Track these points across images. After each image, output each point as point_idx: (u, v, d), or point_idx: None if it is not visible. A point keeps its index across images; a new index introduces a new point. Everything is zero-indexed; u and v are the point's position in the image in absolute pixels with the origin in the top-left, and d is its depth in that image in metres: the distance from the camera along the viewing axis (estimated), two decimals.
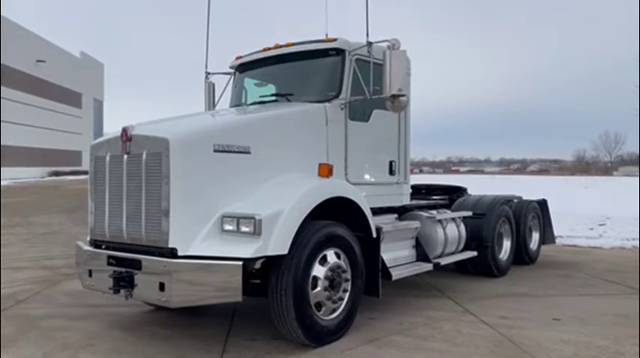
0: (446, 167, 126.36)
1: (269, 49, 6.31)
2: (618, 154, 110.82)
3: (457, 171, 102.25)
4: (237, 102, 6.61)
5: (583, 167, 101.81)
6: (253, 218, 4.27)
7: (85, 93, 56.42)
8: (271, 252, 4.31)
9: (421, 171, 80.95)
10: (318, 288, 4.67)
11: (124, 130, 4.62)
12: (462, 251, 7.31)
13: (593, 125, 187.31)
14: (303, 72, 6.11)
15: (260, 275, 4.69)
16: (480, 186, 12.84)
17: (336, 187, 5.19)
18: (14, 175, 37.86)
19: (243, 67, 6.65)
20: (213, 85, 7.11)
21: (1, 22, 38.42)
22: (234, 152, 4.72)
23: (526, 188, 17.47)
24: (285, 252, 4.39)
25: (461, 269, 7.82)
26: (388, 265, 5.59)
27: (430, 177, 38.55)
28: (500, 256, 7.99)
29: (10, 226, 13.49)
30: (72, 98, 53.22)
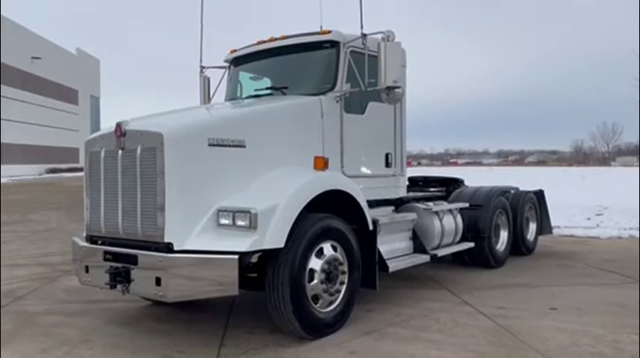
0: (444, 159, 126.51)
1: (263, 42, 6.28)
2: (616, 145, 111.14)
3: (455, 164, 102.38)
4: (233, 96, 6.59)
5: (581, 158, 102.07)
6: (249, 212, 4.26)
7: (82, 90, 56.27)
8: (267, 245, 4.31)
9: (419, 164, 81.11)
10: (315, 281, 4.67)
11: (118, 125, 4.60)
12: (459, 242, 7.31)
13: (591, 116, 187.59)
14: (298, 65, 6.09)
15: (257, 268, 4.69)
16: (478, 178, 12.86)
17: (332, 180, 5.19)
18: (12, 173, 37.78)
19: (238, 61, 6.63)
20: (208, 79, 7.09)
21: (0, 21, 38.21)
22: (229, 146, 4.70)
23: (524, 179, 17.50)
24: (282, 245, 4.39)
25: (458, 260, 7.83)
26: (385, 257, 5.60)
27: (428, 169, 38.58)
28: (498, 247, 8.00)
29: (8, 224, 13.47)
30: (68, 95, 53.10)
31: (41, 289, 6.75)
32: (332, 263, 4.83)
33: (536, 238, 9.29)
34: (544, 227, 9.58)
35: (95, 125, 56.75)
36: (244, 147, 4.82)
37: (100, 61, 62.75)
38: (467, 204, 7.57)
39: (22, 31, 44.67)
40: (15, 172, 38.65)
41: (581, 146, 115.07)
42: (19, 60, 43.26)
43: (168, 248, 4.28)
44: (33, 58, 45.17)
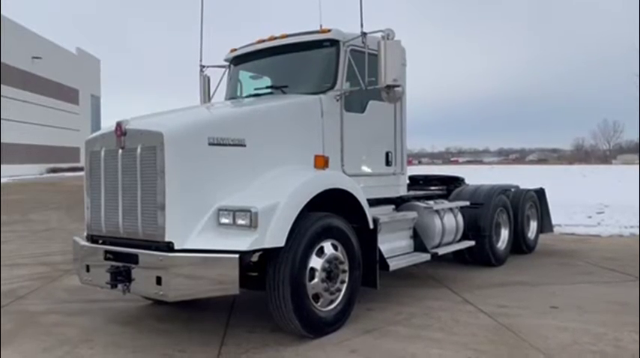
0: (445, 158, 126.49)
1: (263, 41, 6.28)
2: (617, 143, 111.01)
3: (456, 162, 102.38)
4: (233, 95, 6.58)
5: (582, 156, 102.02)
6: (249, 211, 4.26)
7: (82, 90, 56.25)
8: (268, 244, 4.32)
9: (420, 163, 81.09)
10: (316, 280, 4.67)
11: (118, 125, 4.61)
12: (460, 241, 7.31)
13: (591, 114, 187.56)
14: (298, 63, 6.09)
15: (257, 267, 4.70)
16: (479, 177, 12.84)
17: (332, 179, 5.19)
18: (12, 172, 37.78)
19: (238, 60, 6.63)
20: (208, 78, 7.09)
21: (0, 21, 38.19)
22: (229, 145, 4.70)
23: (525, 177, 17.48)
24: (282, 244, 4.39)
25: (459, 259, 7.82)
26: (386, 256, 5.60)
27: (429, 168, 38.56)
28: (498, 245, 8.00)
29: (9, 223, 13.48)
30: (69, 94, 53.08)
31: (42, 288, 6.75)
32: (332, 262, 4.84)
33: (537, 236, 9.29)
34: (545, 225, 9.57)
35: (96, 124, 56.71)
36: (244, 146, 4.82)
37: (100, 60, 62.77)
38: (467, 203, 7.57)
39: (22, 31, 44.64)
40: (15, 172, 38.66)
41: (582, 144, 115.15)
42: (20, 60, 43.25)
43: (169, 247, 4.28)
44: (33, 57, 45.15)
